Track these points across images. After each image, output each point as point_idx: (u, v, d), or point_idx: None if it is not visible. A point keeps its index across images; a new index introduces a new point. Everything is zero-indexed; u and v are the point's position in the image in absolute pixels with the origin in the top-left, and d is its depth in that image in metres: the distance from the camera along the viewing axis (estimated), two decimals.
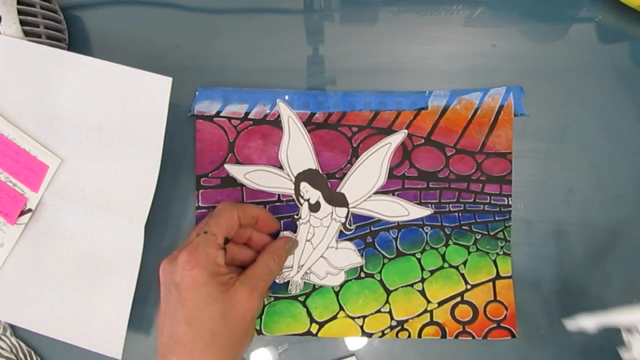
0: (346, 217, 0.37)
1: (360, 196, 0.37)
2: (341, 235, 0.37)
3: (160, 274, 0.31)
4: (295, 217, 0.37)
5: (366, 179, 0.37)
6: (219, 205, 0.34)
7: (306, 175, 0.37)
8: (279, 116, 0.37)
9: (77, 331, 0.35)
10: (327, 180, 0.37)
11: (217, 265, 0.31)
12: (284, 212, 0.37)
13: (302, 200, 0.37)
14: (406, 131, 0.37)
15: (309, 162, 0.37)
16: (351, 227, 0.37)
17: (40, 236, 0.35)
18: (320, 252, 0.37)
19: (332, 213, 0.37)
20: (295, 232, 0.37)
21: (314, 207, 0.37)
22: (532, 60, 0.38)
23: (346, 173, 0.37)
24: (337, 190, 0.37)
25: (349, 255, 0.37)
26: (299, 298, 0.37)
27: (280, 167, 0.37)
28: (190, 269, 0.29)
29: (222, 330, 0.30)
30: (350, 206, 0.37)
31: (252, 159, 0.37)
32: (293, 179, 0.37)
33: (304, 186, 0.37)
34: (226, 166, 0.37)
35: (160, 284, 0.31)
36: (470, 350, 0.37)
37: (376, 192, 0.37)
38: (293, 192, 0.37)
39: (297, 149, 0.37)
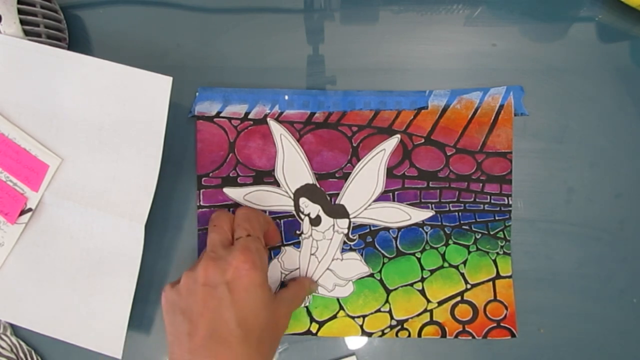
0: (348, 228, 0.37)
1: (360, 205, 0.37)
2: (345, 246, 0.37)
3: (201, 272, 0.29)
4: (297, 232, 0.37)
5: (364, 187, 0.37)
6: (242, 210, 0.34)
7: (305, 191, 0.37)
8: (279, 116, 0.37)
9: (77, 330, 0.35)
10: (325, 193, 0.37)
11: (267, 270, 0.30)
12: (286, 229, 0.37)
13: (302, 216, 0.37)
14: (399, 136, 0.37)
15: (306, 177, 0.37)
16: (354, 238, 0.37)
17: (40, 236, 0.35)
18: (325, 264, 0.37)
19: (333, 225, 0.37)
20: (298, 247, 0.37)
21: (315, 221, 0.37)
22: (532, 60, 0.38)
23: (346, 172, 0.37)
24: (337, 202, 0.37)
25: (355, 266, 0.37)
26: None
27: (278, 185, 0.37)
28: (249, 269, 0.28)
29: (266, 338, 0.29)
30: (351, 216, 0.37)
31: (252, 159, 0.37)
32: (292, 196, 0.37)
33: (304, 201, 0.37)
34: (225, 190, 0.37)
35: (200, 283, 0.29)
36: (470, 350, 0.37)
37: (376, 200, 0.37)
38: (293, 208, 0.37)
39: (293, 165, 0.37)
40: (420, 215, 0.37)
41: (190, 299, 0.29)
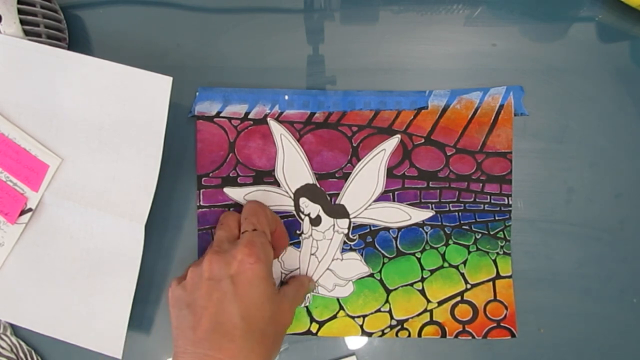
0: (348, 228, 0.37)
1: (360, 205, 0.37)
2: (345, 246, 0.37)
3: (205, 267, 0.29)
4: (298, 232, 0.37)
5: (364, 187, 0.37)
6: (249, 203, 0.34)
7: (305, 191, 0.37)
8: (279, 116, 0.37)
9: (78, 330, 0.35)
10: (325, 193, 0.37)
11: (271, 264, 0.30)
12: (286, 229, 0.37)
13: (302, 216, 0.37)
14: (399, 136, 0.37)
15: (306, 177, 0.37)
16: (354, 238, 0.37)
17: (40, 236, 0.35)
18: (325, 264, 0.37)
19: (333, 225, 0.37)
20: (298, 247, 0.37)
21: (315, 221, 0.37)
22: (532, 60, 0.38)
23: (346, 172, 0.37)
24: (337, 202, 0.37)
25: (355, 266, 0.37)
26: None
27: (278, 185, 0.37)
28: (253, 262, 0.29)
29: (270, 331, 0.29)
30: (351, 216, 0.37)
31: (252, 159, 0.37)
32: (292, 195, 0.37)
33: (304, 201, 0.37)
34: (225, 190, 0.37)
35: (205, 278, 0.29)
36: (470, 350, 0.37)
37: (376, 200, 0.37)
38: (293, 208, 0.37)
39: (293, 165, 0.37)
40: (420, 215, 0.37)
41: (196, 293, 0.29)
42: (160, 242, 0.38)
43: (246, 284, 0.29)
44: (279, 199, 0.37)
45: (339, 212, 0.37)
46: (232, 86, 0.38)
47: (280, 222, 0.35)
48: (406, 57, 0.38)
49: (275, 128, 0.37)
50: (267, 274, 0.29)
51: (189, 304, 0.29)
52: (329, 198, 0.37)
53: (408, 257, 0.37)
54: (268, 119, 0.37)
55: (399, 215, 0.37)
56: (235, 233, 0.33)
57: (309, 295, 0.37)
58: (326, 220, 0.37)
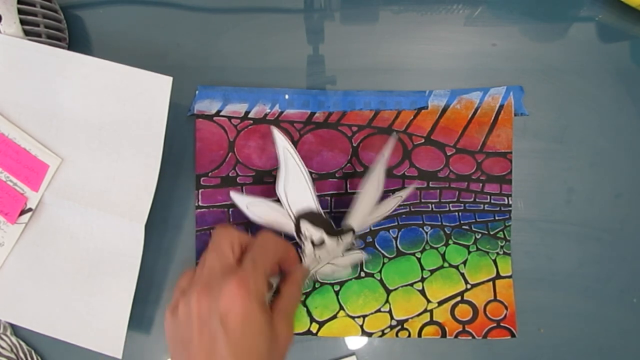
0: (353, 238, 0.35)
1: (364, 216, 0.34)
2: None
3: (194, 303, 0.28)
4: (300, 250, 0.34)
5: (369, 200, 0.34)
6: (264, 235, 0.32)
7: (307, 216, 0.33)
8: (279, 115, 0.37)
9: (78, 330, 0.35)
10: (329, 220, 0.33)
11: (264, 299, 0.29)
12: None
13: (303, 239, 0.34)
14: (395, 134, 0.35)
15: (309, 201, 0.33)
16: (356, 242, 0.36)
17: (40, 235, 0.35)
18: (326, 261, 0.36)
19: (337, 240, 0.34)
20: (300, 261, 0.34)
21: (319, 244, 0.34)
22: (532, 60, 0.38)
23: (346, 172, 0.37)
24: (345, 221, 0.34)
25: (353, 255, 0.36)
26: None
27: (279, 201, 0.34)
28: (243, 297, 0.27)
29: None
30: (356, 232, 0.34)
31: (252, 159, 0.37)
32: (293, 218, 0.34)
33: (305, 226, 0.33)
34: (231, 193, 0.34)
35: (195, 316, 0.28)
36: (470, 350, 0.37)
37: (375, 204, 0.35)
38: (294, 230, 0.34)
39: (296, 185, 0.33)
40: (406, 192, 0.35)
41: (187, 330, 0.28)
42: (160, 242, 0.38)
43: (237, 324, 0.27)
44: (280, 218, 0.34)
45: (343, 230, 0.34)
46: (233, 86, 0.38)
47: (292, 250, 0.33)
48: (406, 57, 0.38)
49: (280, 140, 0.32)
50: (257, 311, 0.28)
51: (182, 339, 0.29)
52: (332, 224, 0.34)
53: (408, 257, 0.37)
54: (272, 128, 0.33)
55: (391, 203, 0.35)
56: (229, 261, 0.30)
57: (307, 281, 0.35)
58: (330, 240, 0.34)
